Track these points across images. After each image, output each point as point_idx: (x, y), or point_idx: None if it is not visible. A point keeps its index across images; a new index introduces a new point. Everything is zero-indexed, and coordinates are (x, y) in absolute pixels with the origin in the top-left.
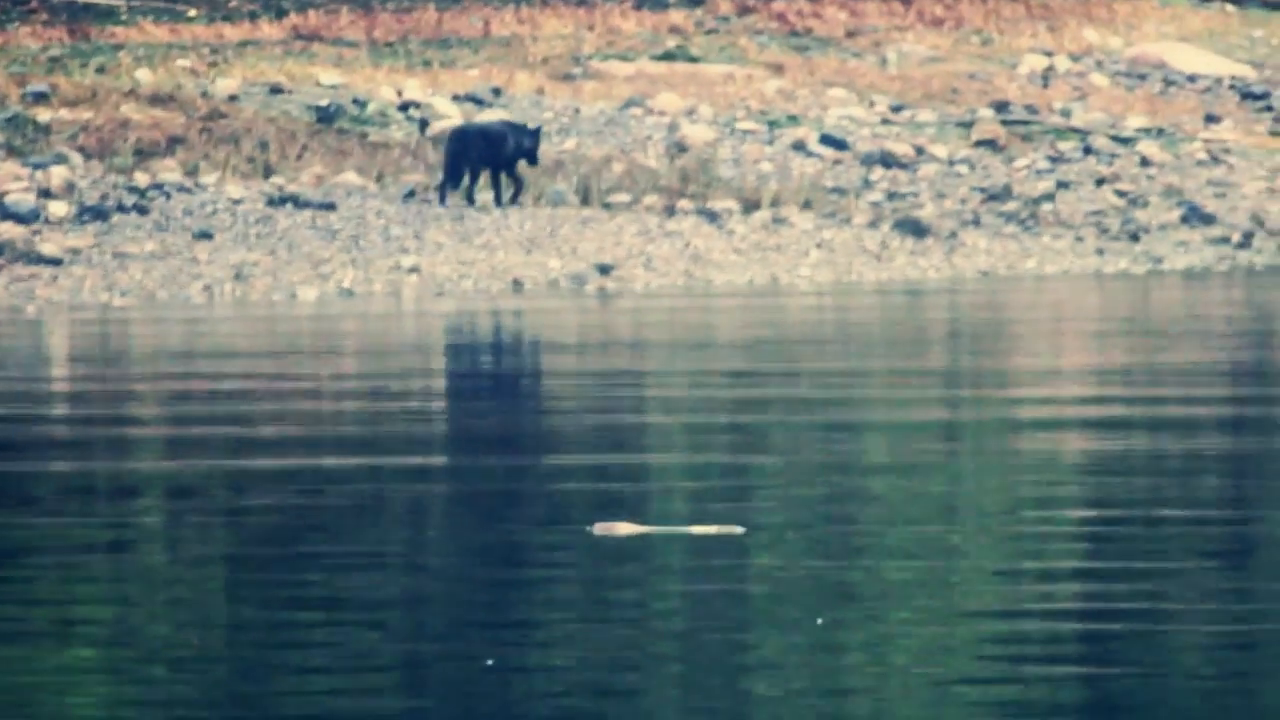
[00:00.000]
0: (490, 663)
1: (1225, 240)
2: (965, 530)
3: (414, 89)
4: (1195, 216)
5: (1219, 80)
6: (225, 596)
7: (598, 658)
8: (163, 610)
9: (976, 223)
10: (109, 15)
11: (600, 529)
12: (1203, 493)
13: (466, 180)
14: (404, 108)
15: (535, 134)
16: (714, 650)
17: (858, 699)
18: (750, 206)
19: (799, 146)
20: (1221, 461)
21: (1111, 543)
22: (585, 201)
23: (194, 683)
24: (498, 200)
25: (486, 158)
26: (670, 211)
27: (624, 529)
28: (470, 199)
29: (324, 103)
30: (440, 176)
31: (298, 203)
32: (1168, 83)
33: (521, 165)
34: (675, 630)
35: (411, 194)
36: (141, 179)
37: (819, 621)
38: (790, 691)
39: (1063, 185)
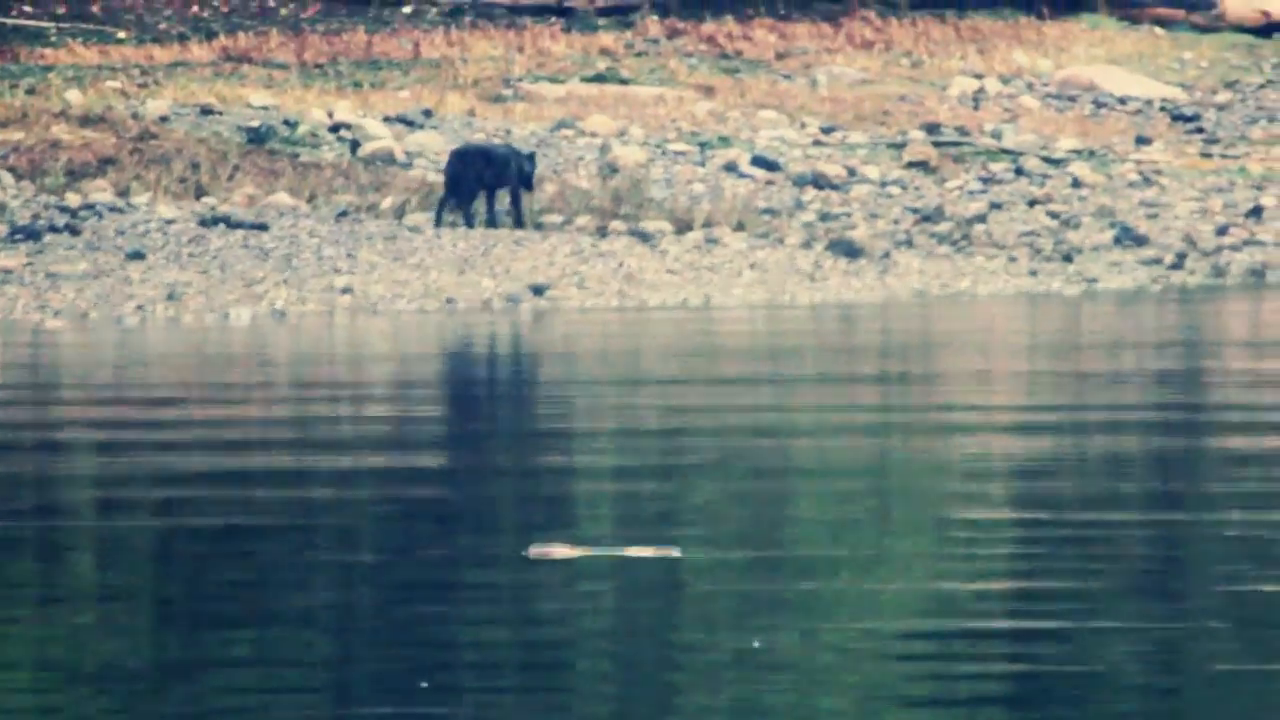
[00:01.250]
0: (425, 685)
1: (1158, 261)
2: (894, 545)
3: (344, 110)
4: (1128, 237)
5: (1149, 102)
6: (151, 614)
7: (533, 681)
8: (89, 626)
9: (909, 243)
10: (38, 37)
11: (536, 552)
12: (1129, 524)
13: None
14: (335, 129)
15: (532, 159)
16: (647, 671)
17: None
18: (683, 227)
19: (731, 168)
20: (1147, 476)
21: (1039, 559)
22: (518, 222)
23: (121, 703)
24: (491, 222)
25: (487, 179)
26: (603, 232)
27: (560, 551)
28: (469, 220)
29: (255, 124)
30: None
31: (230, 223)
32: (1098, 105)
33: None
34: (608, 653)
35: (344, 214)
36: (73, 199)
37: (755, 644)
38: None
39: (995, 206)
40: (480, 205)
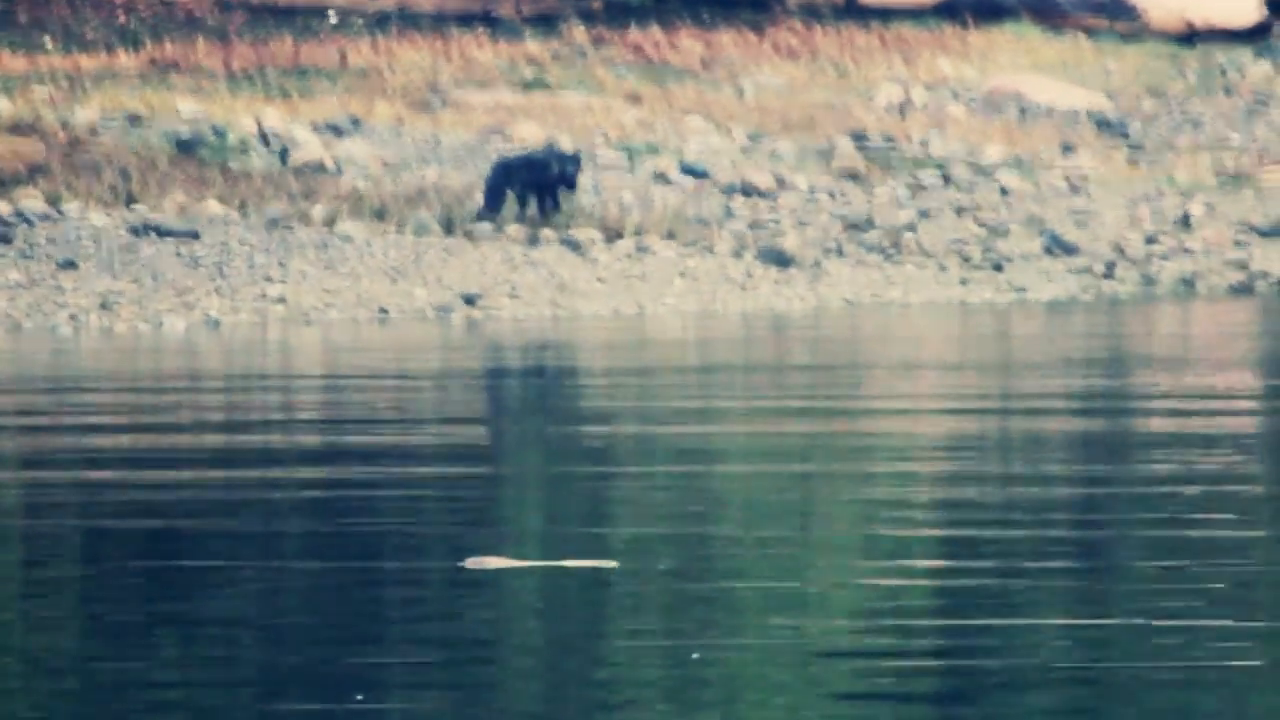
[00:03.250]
0: (360, 698)
1: (1088, 270)
2: (821, 555)
3: (273, 118)
4: (1057, 246)
5: (1075, 111)
6: (76, 627)
7: (465, 693)
8: (18, 646)
9: (839, 252)
10: None
11: (472, 564)
12: (1054, 527)
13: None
14: (263, 137)
15: (576, 160)
16: (577, 684)
17: None
18: (613, 236)
19: (660, 176)
20: (1071, 497)
21: (966, 570)
22: (448, 230)
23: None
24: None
25: (530, 183)
26: (534, 241)
27: (496, 563)
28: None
29: (184, 132)
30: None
31: (161, 231)
32: (1024, 113)
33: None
34: (540, 666)
35: (275, 222)
36: (4, 208)
37: (694, 656)
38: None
39: (924, 215)
40: (511, 208)
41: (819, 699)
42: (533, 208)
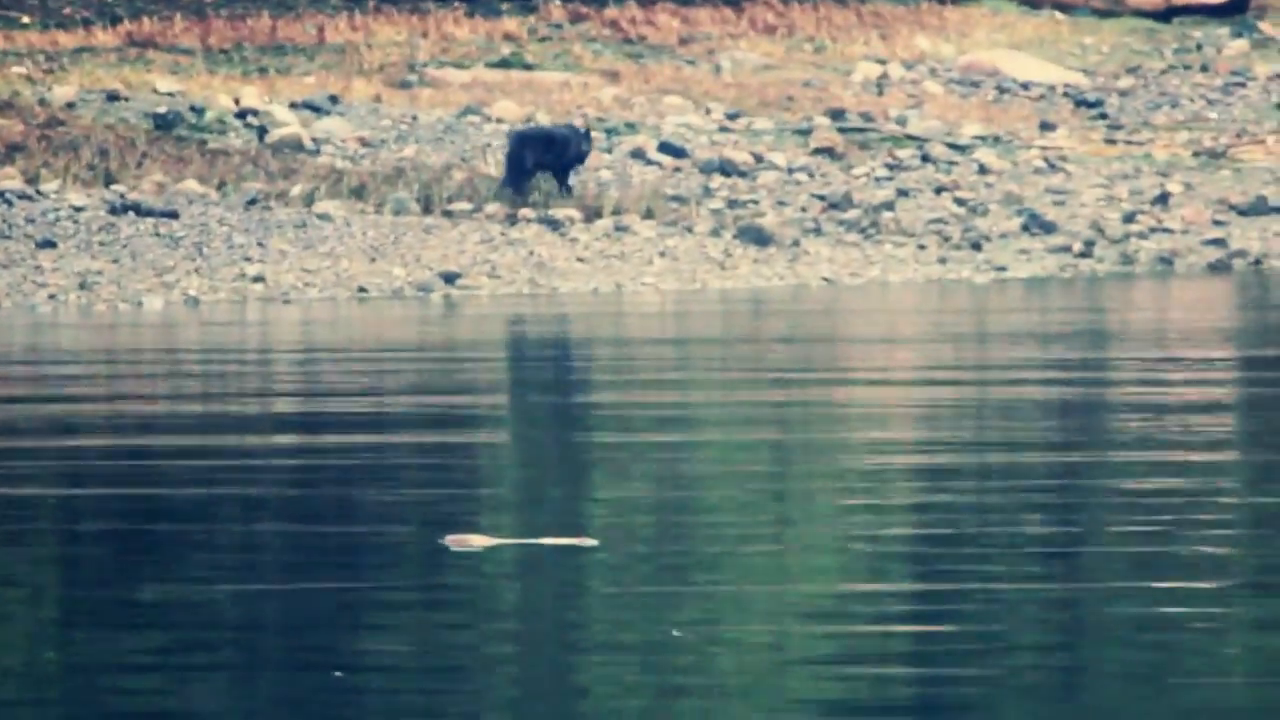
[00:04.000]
0: (338, 674)
1: (1067, 249)
2: (799, 521)
3: (251, 96)
4: (1036, 224)
5: (1052, 88)
6: (50, 595)
7: (442, 668)
8: None
9: (818, 231)
10: None
11: (453, 541)
12: (1031, 507)
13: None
14: (241, 115)
15: (588, 137)
16: (556, 659)
17: (689, 705)
18: (592, 215)
19: (638, 154)
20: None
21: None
22: (427, 210)
23: (24, 686)
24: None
25: (547, 160)
26: (512, 220)
27: (477, 541)
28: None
29: (162, 110)
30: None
31: (140, 211)
32: (1001, 90)
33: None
34: (516, 643)
35: (253, 201)
36: None
37: (675, 633)
38: (624, 706)
39: (902, 193)
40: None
41: (798, 664)
42: (551, 184)
